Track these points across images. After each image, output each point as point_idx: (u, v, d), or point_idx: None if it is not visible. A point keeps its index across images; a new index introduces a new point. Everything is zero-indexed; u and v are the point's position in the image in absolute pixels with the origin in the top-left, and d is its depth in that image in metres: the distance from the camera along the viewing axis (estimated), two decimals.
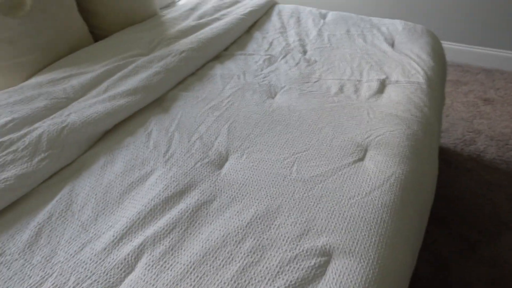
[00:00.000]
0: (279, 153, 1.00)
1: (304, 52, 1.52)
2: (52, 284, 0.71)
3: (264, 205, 0.85)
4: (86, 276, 0.73)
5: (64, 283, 0.71)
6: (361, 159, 0.99)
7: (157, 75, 1.23)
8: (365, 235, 0.79)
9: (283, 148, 1.02)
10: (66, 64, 1.27)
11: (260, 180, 0.92)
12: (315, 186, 0.90)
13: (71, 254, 0.77)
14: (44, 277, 0.73)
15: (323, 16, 1.82)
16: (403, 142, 1.03)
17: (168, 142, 1.04)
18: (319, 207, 0.84)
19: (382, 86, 1.28)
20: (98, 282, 0.72)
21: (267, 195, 0.88)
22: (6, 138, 0.95)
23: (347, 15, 1.80)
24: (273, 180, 0.92)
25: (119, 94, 1.13)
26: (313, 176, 0.93)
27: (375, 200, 0.86)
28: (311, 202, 0.86)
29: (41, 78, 1.19)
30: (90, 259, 0.76)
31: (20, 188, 0.88)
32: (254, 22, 1.77)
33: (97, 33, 1.52)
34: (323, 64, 1.42)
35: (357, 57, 1.45)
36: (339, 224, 0.81)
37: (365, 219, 0.82)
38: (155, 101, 1.21)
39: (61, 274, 0.73)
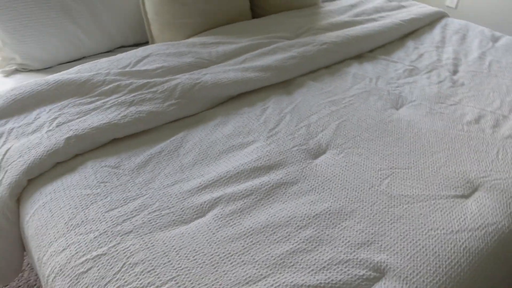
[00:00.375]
0: (378, 162, 0.97)
1: (454, 72, 1.40)
2: (141, 202, 0.86)
3: (339, 204, 0.85)
4: (167, 206, 0.85)
5: (150, 205, 0.85)
6: (465, 196, 0.89)
7: (291, 59, 1.29)
8: (430, 270, 0.73)
9: (383, 158, 0.98)
10: (221, 32, 1.43)
11: (346, 180, 0.92)
12: (400, 205, 0.85)
13: (163, 186, 0.90)
14: (138, 195, 0.87)
15: (495, 39, 1.62)
16: None
17: (278, 121, 1.11)
18: (393, 226, 0.81)
19: None
20: (174, 214, 0.83)
21: (346, 196, 0.87)
22: (152, 80, 1.14)
23: None
24: (359, 185, 0.90)
25: (252, 68, 1.24)
26: (402, 195, 0.88)
27: (459, 241, 0.78)
28: (388, 218, 0.82)
29: (196, 39, 1.37)
30: (175, 195, 0.88)
31: (149, 122, 1.06)
32: (413, 30, 1.68)
33: (257, 12, 1.66)
34: (470, 89, 1.28)
35: None
36: (407, 249, 0.76)
37: (439, 255, 0.75)
38: (282, 82, 1.28)
39: (150, 197, 0.87)
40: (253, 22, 1.54)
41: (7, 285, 1.37)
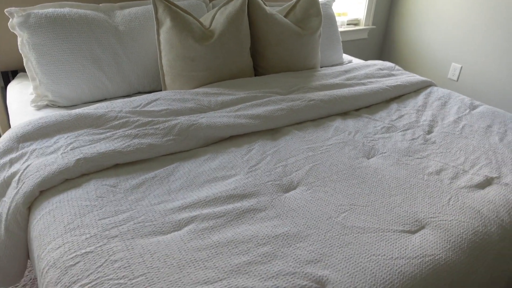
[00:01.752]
0: (339, 199, 1.11)
1: (428, 132, 1.55)
2: (129, 215, 1.01)
3: (297, 229, 0.98)
4: (150, 219, 1.00)
5: (136, 217, 1.00)
6: (412, 232, 1.01)
7: (279, 111, 1.48)
8: (365, 286, 0.83)
9: (345, 196, 1.12)
10: (223, 85, 1.65)
11: (308, 211, 1.05)
12: (351, 233, 0.98)
13: (151, 204, 1.06)
14: (128, 209, 1.03)
15: (473, 107, 1.78)
16: (467, 236, 1.00)
17: (259, 160, 1.27)
18: (341, 250, 0.92)
19: (486, 183, 1.22)
20: (155, 226, 0.98)
21: (305, 224, 1.00)
22: (156, 119, 1.34)
23: (500, 112, 1.72)
24: (318, 216, 1.03)
25: (244, 115, 1.43)
26: (354, 226, 1.00)
27: (396, 266, 0.89)
28: (337, 243, 0.94)
29: (200, 90, 1.59)
30: (159, 211, 1.03)
31: (148, 153, 1.24)
32: (399, 95, 1.86)
33: (259, 71, 1.89)
34: (439, 147, 1.42)
35: (480, 151, 1.40)
36: (348, 269, 0.87)
37: (375, 275, 0.86)
38: (270, 130, 1.46)
39: (138, 212, 1.02)
40: (254, 79, 1.76)
41: None
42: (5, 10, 1.54)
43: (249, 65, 1.81)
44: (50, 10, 1.59)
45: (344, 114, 1.66)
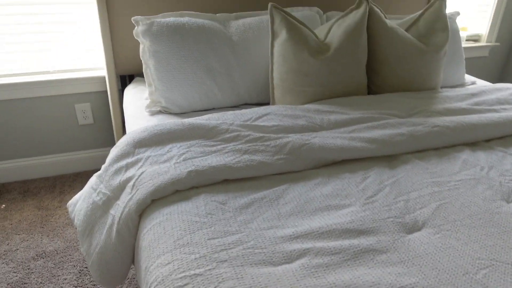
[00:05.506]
0: (477, 251, 0.94)
1: None
2: (239, 238, 0.95)
3: (428, 282, 0.84)
4: (260, 246, 0.93)
5: (246, 242, 0.94)
6: None
7: (399, 136, 1.34)
8: None
9: (484, 248, 0.94)
10: (336, 103, 1.55)
11: (439, 261, 0.90)
12: None
13: (260, 228, 0.99)
14: (237, 231, 0.98)
15: None
16: None
17: (377, 191, 1.14)
18: None
19: None
20: (265, 254, 0.91)
21: (436, 277, 0.86)
22: (267, 135, 1.29)
23: None
24: (452, 269, 0.88)
25: (359, 138, 1.31)
26: None
27: None
28: None
29: (312, 106, 1.50)
30: (269, 238, 0.96)
31: (257, 170, 1.18)
32: None
33: (372, 88, 1.75)
34: None
35: None
36: None
37: None
38: (387, 156, 1.32)
39: (247, 235, 0.96)
40: (368, 97, 1.63)
41: None
42: (132, 18, 1.61)
43: (363, 82, 1.68)
44: (171, 19, 1.63)
45: (472, 144, 1.46)
